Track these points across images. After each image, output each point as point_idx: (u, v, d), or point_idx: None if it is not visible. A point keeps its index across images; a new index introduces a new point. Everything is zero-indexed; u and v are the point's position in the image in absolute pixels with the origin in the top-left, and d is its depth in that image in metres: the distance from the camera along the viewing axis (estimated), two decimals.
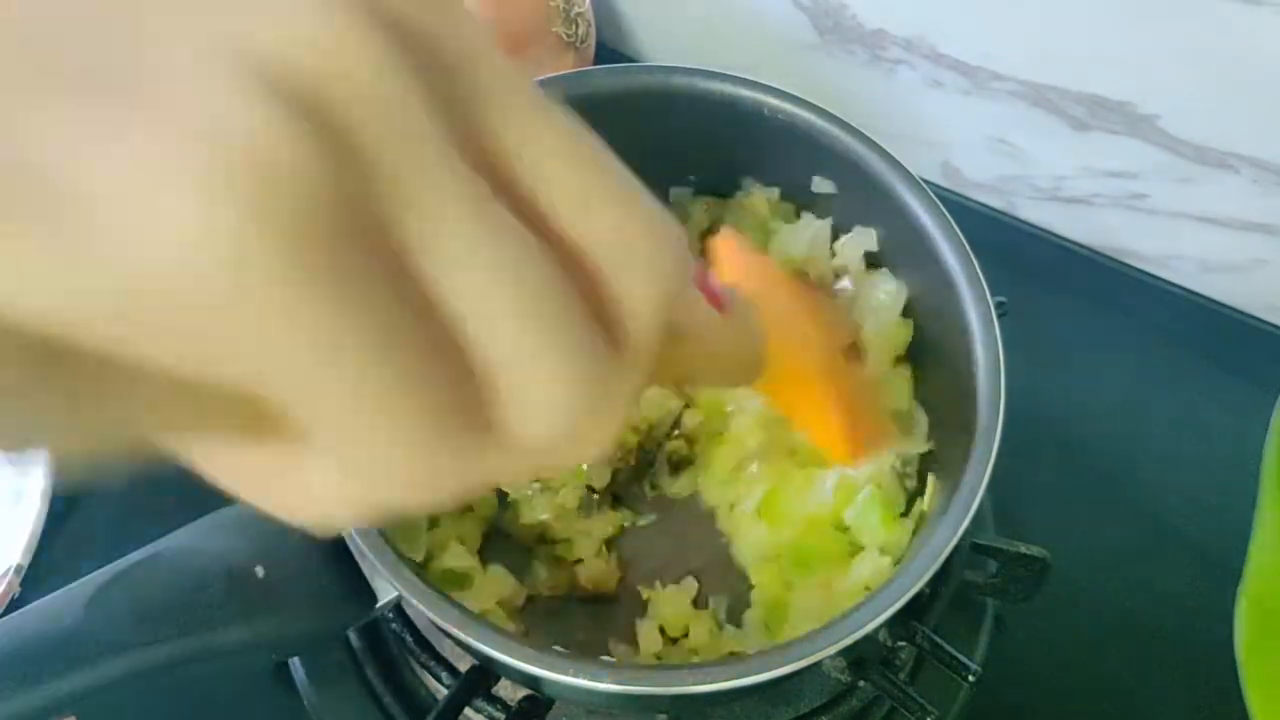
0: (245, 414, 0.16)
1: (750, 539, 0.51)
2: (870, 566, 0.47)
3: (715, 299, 0.29)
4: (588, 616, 0.51)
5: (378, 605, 0.41)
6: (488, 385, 0.16)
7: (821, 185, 0.52)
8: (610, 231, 0.18)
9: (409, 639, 0.48)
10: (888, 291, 0.52)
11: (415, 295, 0.15)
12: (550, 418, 0.17)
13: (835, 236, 0.54)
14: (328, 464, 0.17)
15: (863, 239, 0.53)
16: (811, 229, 0.54)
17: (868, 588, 0.46)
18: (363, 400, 0.15)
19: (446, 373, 0.16)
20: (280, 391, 0.15)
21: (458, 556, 0.49)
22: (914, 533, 0.48)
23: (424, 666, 0.48)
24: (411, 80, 0.15)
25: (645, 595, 0.51)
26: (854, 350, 0.52)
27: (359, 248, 0.14)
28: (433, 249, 0.15)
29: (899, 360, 0.53)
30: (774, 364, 0.37)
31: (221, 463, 0.18)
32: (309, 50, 0.14)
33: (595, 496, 0.52)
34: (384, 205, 0.15)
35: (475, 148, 0.16)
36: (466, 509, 0.51)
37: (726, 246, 0.45)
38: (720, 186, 0.56)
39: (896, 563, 0.47)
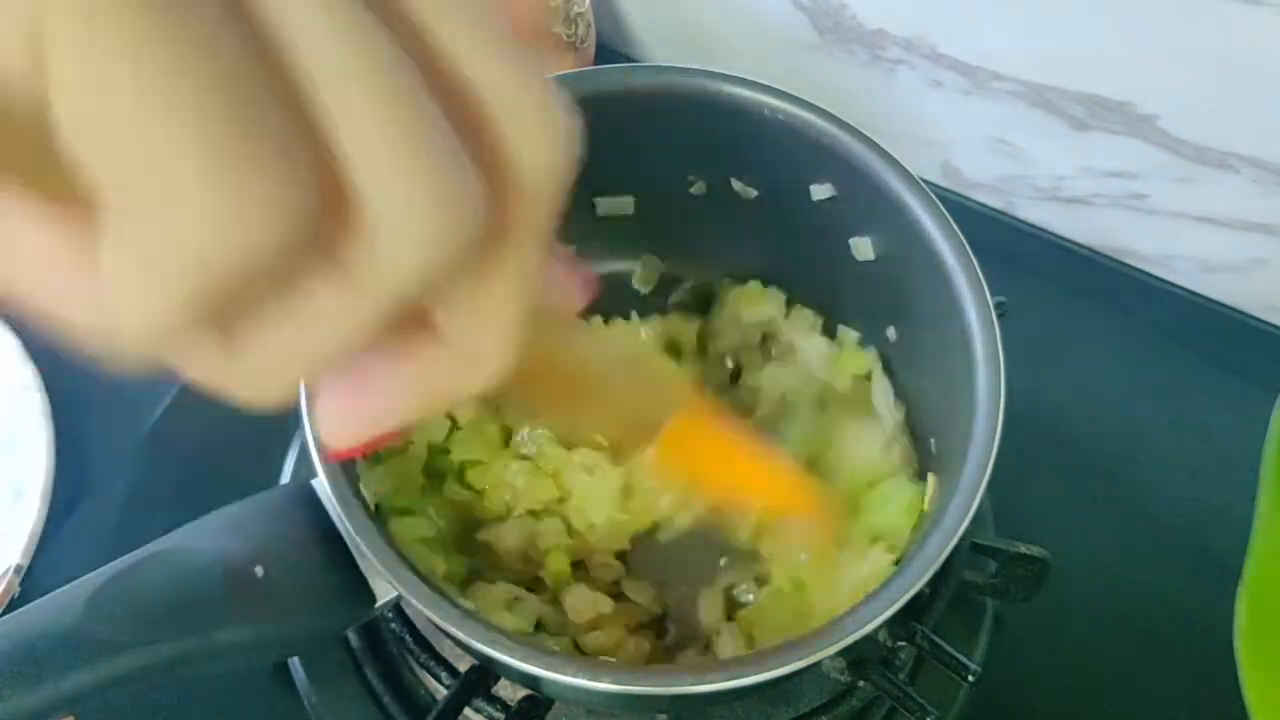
0: (36, 167, 0.14)
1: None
2: (870, 566, 0.47)
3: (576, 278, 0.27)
4: None
5: (377, 605, 0.41)
6: (343, 200, 0.15)
7: (819, 191, 0.53)
8: (513, 84, 0.17)
9: (408, 639, 0.48)
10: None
11: (277, 84, 0.14)
12: (410, 245, 0.16)
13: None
14: (128, 242, 0.14)
15: (859, 248, 0.53)
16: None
17: (867, 588, 0.46)
18: (181, 158, 0.13)
19: (294, 166, 0.15)
20: (81, 133, 0.13)
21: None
22: (912, 532, 0.48)
23: (423, 666, 0.48)
24: None
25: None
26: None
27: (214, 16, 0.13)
28: (301, 40, 0.14)
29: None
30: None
31: (21, 258, 0.15)
32: None
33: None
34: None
35: None
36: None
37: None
38: (717, 186, 0.56)
39: (896, 562, 0.47)
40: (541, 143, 0.18)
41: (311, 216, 0.15)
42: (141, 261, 0.14)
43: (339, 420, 0.20)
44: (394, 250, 0.16)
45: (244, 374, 0.17)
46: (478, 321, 0.19)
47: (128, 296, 0.14)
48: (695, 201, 0.57)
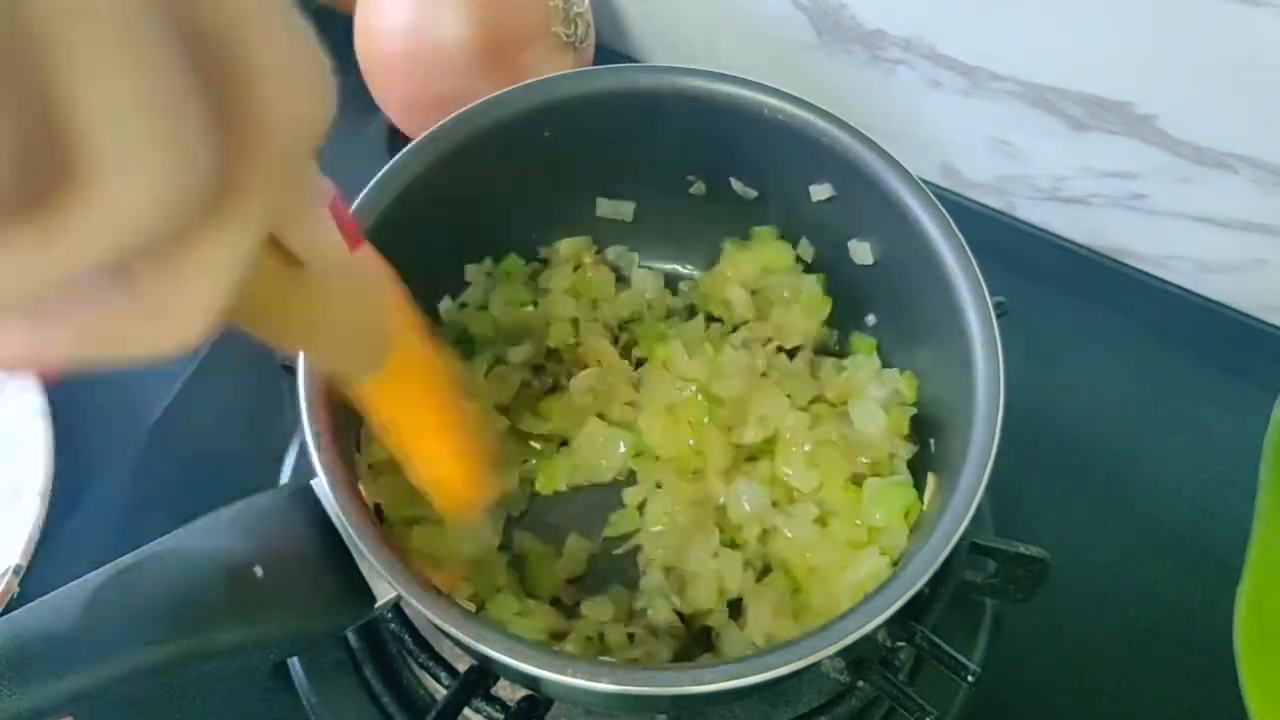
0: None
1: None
2: (867, 567, 0.47)
3: (349, 229, 0.27)
4: None
5: (376, 605, 0.41)
6: (60, 153, 0.16)
7: (819, 191, 0.52)
8: (269, 41, 0.18)
9: (408, 639, 0.48)
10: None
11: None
12: (136, 186, 0.17)
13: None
14: None
15: (858, 250, 0.53)
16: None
17: (865, 589, 0.46)
18: None
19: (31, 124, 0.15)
20: None
21: (504, 605, 0.49)
22: (912, 532, 0.48)
23: (423, 667, 0.48)
24: None
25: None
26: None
27: None
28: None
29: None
30: (399, 368, 0.35)
31: None
32: None
33: None
34: None
35: None
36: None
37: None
38: (717, 186, 0.56)
39: (895, 563, 0.47)
40: (291, 98, 0.19)
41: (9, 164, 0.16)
42: None
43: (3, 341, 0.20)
44: (114, 203, 0.17)
45: None
46: (176, 288, 0.19)
47: None
48: (695, 201, 0.57)
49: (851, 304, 0.56)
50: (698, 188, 0.57)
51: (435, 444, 0.41)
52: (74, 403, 0.59)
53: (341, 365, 0.35)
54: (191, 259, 0.19)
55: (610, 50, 0.75)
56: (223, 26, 0.18)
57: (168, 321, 0.19)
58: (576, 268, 0.59)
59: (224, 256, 0.19)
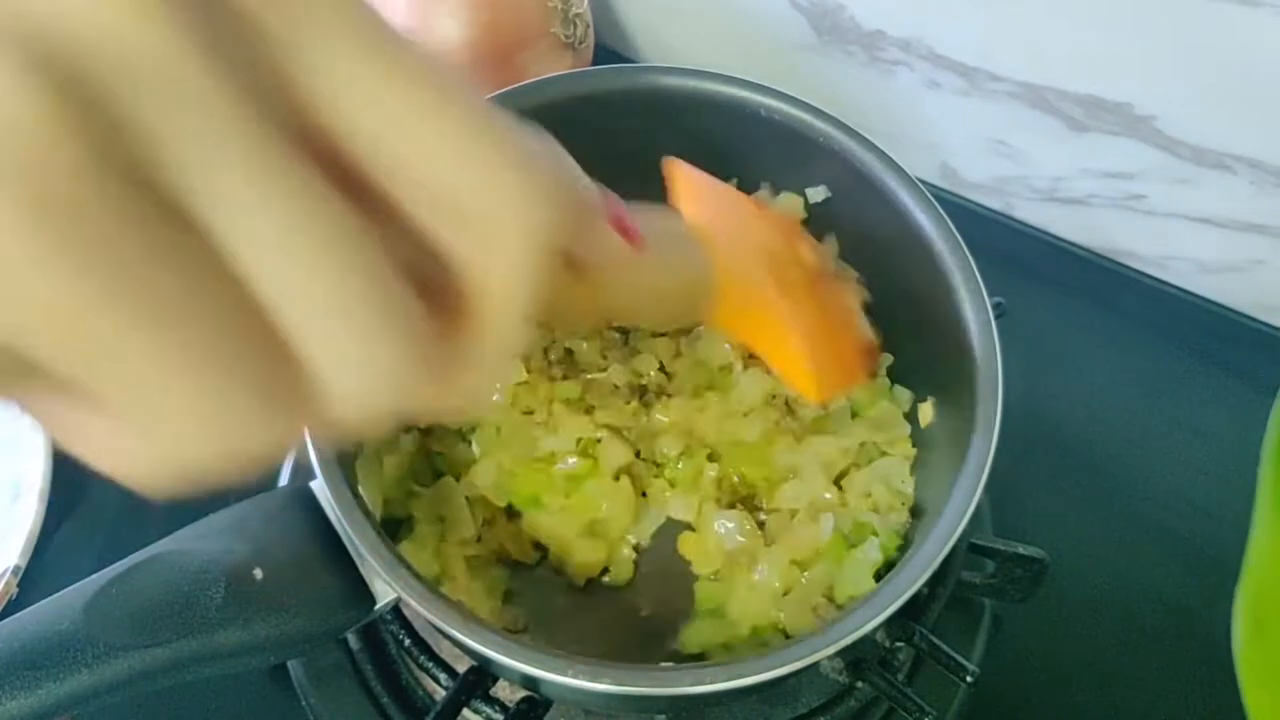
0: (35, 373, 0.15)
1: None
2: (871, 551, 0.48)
3: (626, 233, 0.28)
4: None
5: (376, 607, 0.41)
6: (291, 348, 0.16)
7: (816, 193, 0.52)
8: (450, 193, 0.17)
9: (407, 640, 0.48)
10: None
11: (209, 264, 0.15)
12: (358, 377, 0.17)
13: None
14: (124, 427, 0.16)
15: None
16: None
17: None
18: (142, 367, 0.15)
19: (245, 338, 0.16)
20: (49, 356, 0.14)
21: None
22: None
23: (422, 668, 0.48)
24: (190, 38, 0.14)
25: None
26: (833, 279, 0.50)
27: (124, 214, 0.14)
28: (219, 212, 0.15)
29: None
30: (728, 297, 0.37)
31: (40, 409, 0.17)
32: (76, 19, 0.14)
33: None
34: (160, 170, 0.14)
35: (286, 100, 0.16)
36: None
37: (680, 172, 0.44)
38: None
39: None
40: (500, 252, 0.18)
41: (272, 400, 0.16)
42: (142, 443, 0.16)
43: None
44: (340, 404, 0.17)
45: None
46: (461, 377, 0.19)
47: (141, 463, 0.16)
48: None
49: None
50: None
51: (787, 350, 0.43)
52: None
53: (663, 326, 0.44)
54: (462, 359, 0.19)
55: (610, 51, 0.75)
56: (427, 232, 0.18)
57: (463, 394, 0.19)
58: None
59: (485, 362, 0.19)
